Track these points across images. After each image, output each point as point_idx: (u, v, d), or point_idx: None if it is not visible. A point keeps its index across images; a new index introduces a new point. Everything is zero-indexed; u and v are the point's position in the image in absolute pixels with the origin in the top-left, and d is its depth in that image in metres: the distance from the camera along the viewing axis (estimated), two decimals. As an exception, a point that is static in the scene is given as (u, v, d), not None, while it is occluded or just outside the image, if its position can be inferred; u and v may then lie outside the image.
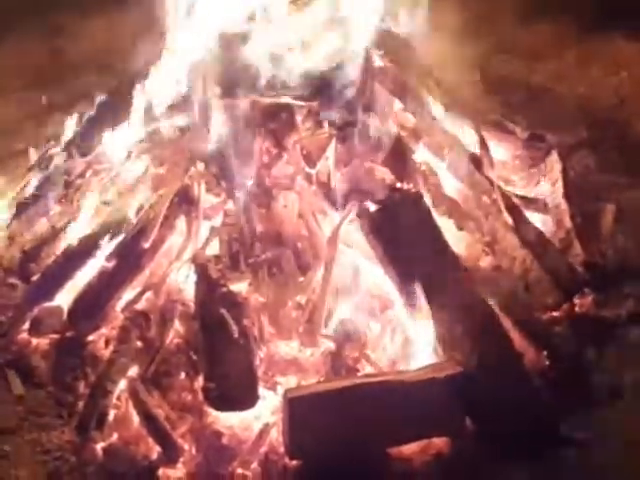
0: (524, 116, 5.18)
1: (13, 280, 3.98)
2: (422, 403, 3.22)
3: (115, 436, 3.33)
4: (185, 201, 3.89)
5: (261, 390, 3.37)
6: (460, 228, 4.00)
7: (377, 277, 3.68)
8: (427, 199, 3.88)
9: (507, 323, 3.57)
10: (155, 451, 3.27)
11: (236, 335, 3.42)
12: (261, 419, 3.33)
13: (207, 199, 3.94)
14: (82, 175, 4.27)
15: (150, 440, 3.29)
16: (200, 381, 3.41)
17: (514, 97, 5.50)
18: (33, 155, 4.71)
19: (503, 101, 5.36)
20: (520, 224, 3.95)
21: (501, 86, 5.60)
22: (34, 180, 4.41)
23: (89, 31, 6.35)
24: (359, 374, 3.43)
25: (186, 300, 3.69)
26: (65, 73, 5.90)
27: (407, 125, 4.25)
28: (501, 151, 4.53)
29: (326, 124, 3.99)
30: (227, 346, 3.41)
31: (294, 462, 3.20)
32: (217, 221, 3.89)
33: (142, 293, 3.72)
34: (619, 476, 3.14)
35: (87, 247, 3.90)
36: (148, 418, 3.32)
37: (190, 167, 3.96)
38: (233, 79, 4.02)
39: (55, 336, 3.70)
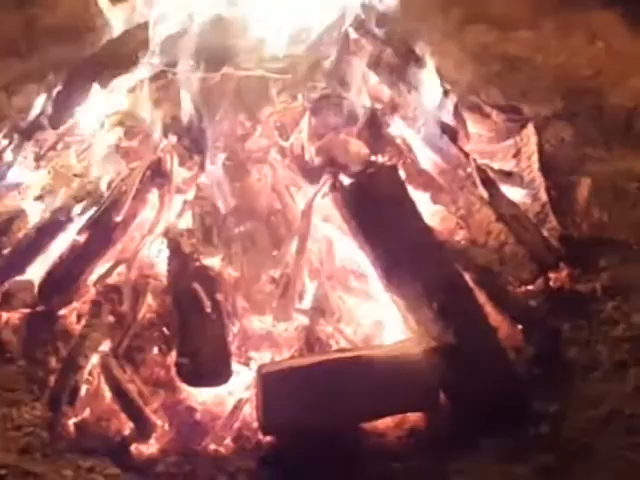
0: (499, 87, 5.17)
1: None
2: (396, 378, 3.21)
3: (87, 411, 3.30)
4: (157, 174, 3.84)
5: (234, 365, 3.34)
6: (435, 202, 3.98)
7: (351, 251, 3.65)
8: (402, 172, 3.86)
9: (482, 297, 3.56)
10: (127, 427, 3.24)
11: (209, 310, 3.40)
12: (234, 395, 3.31)
13: (180, 172, 3.89)
14: (53, 147, 4.21)
15: (122, 416, 3.27)
16: (173, 356, 3.38)
17: (489, 68, 5.47)
18: (4, 127, 4.66)
19: (478, 72, 5.34)
20: (495, 198, 3.94)
21: (476, 56, 5.57)
22: (5, 153, 4.35)
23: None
24: (333, 349, 3.41)
25: (159, 274, 3.66)
26: (38, 42, 5.83)
27: (382, 98, 4.21)
28: (477, 124, 4.51)
29: (300, 97, 3.96)
30: (200, 321, 3.39)
31: (268, 438, 3.19)
32: (190, 195, 3.84)
33: (114, 267, 3.68)
34: (592, 451, 3.14)
35: (58, 220, 3.86)
36: (120, 393, 3.29)
37: (162, 140, 3.92)
38: (207, 51, 3.98)
39: (26, 310, 3.66)
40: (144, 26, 4.17)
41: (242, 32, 4.03)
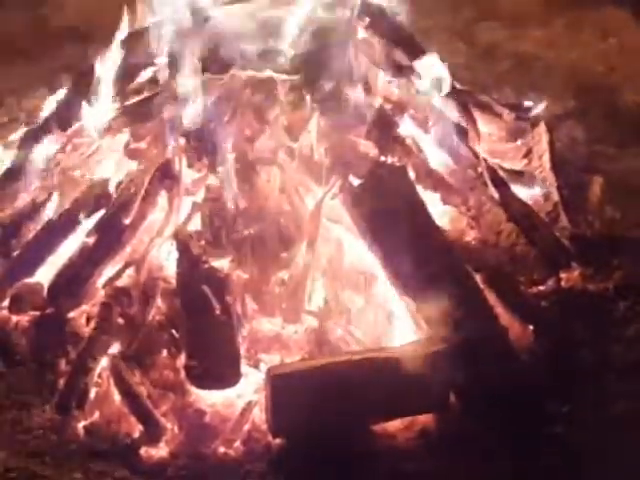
0: (511, 85, 5.16)
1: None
2: (406, 380, 3.19)
3: (97, 414, 3.30)
4: (166, 176, 3.83)
5: (244, 368, 3.33)
6: (445, 202, 3.96)
7: (360, 252, 3.64)
8: (411, 173, 3.84)
9: (492, 298, 3.54)
10: (137, 430, 3.24)
11: (218, 312, 3.39)
12: (244, 397, 3.31)
13: (188, 174, 3.87)
14: (62, 149, 4.21)
15: (132, 418, 3.26)
16: (182, 359, 3.37)
17: (500, 65, 5.47)
18: (14, 129, 4.67)
19: (489, 70, 5.33)
20: (506, 197, 3.93)
21: (487, 54, 5.57)
22: (15, 155, 4.35)
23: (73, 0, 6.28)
24: (343, 351, 3.39)
25: (168, 276, 3.65)
26: (47, 44, 5.83)
27: (391, 97, 4.19)
28: (488, 123, 4.49)
29: (308, 97, 3.93)
30: (209, 323, 3.38)
31: (277, 440, 3.18)
32: (199, 196, 3.82)
33: (123, 269, 3.67)
34: (606, 452, 3.12)
35: (67, 222, 3.85)
36: (130, 396, 3.29)
37: (171, 142, 3.90)
38: (214, 52, 3.96)
39: (36, 313, 3.66)
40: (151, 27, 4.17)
41: (250, 33, 4.02)
